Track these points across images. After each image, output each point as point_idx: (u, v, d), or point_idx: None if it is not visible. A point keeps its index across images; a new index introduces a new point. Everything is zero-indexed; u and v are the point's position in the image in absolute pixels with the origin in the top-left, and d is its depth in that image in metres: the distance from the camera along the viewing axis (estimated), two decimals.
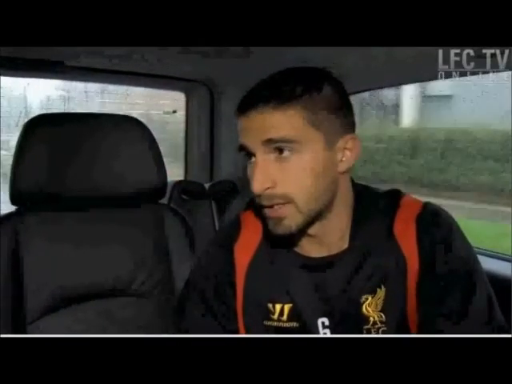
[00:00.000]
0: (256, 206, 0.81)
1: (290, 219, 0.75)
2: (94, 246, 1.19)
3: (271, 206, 0.75)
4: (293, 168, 0.73)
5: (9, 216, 1.16)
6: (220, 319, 0.85)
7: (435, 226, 0.77)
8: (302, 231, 0.79)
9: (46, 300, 1.12)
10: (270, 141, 0.72)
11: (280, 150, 0.73)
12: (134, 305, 1.20)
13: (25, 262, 1.12)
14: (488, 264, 1.40)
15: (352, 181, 0.84)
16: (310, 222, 0.77)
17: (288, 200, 0.73)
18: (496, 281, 1.27)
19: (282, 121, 0.72)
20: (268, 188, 0.73)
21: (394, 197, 0.82)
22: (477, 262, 0.78)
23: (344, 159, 0.77)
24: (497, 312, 0.75)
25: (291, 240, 0.82)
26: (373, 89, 1.70)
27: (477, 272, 0.77)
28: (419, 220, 0.78)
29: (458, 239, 0.77)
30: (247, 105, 0.74)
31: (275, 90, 0.73)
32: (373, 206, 0.81)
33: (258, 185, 0.72)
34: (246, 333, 0.84)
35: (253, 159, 0.75)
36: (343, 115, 0.77)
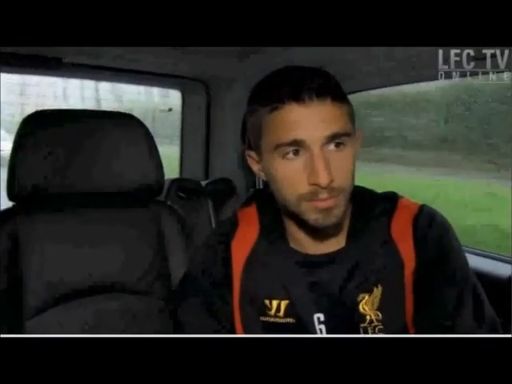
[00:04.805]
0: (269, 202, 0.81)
1: (339, 208, 0.75)
2: (90, 244, 1.18)
3: (326, 199, 0.74)
4: (346, 160, 0.74)
5: (7, 214, 1.15)
6: (216, 315, 0.85)
7: (431, 228, 0.79)
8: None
9: (44, 297, 1.12)
10: (335, 135, 0.72)
11: (337, 144, 0.73)
12: (131, 302, 1.20)
13: (23, 260, 1.12)
14: (488, 265, 1.41)
15: None
16: None
17: (342, 191, 0.75)
18: (495, 282, 1.27)
19: (341, 114, 0.73)
20: (332, 180, 0.73)
21: (391, 199, 0.84)
22: (467, 262, 0.80)
23: (357, 148, 0.79)
24: (487, 310, 0.77)
25: (291, 236, 0.83)
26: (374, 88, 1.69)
27: (468, 273, 0.79)
28: (416, 222, 0.79)
29: (452, 241, 0.79)
30: (304, 94, 0.71)
31: (325, 84, 0.73)
32: (370, 207, 0.83)
33: (324, 178, 0.71)
34: (243, 328, 0.84)
35: (300, 153, 0.73)
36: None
